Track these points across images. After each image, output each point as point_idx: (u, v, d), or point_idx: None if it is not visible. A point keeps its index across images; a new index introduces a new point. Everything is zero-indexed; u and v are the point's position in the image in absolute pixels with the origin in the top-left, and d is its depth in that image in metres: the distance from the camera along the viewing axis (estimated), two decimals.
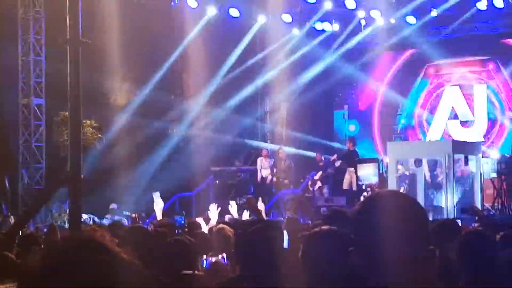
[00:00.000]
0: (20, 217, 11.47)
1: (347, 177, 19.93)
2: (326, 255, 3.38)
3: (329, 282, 3.26)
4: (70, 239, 2.12)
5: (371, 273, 2.20)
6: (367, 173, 20.27)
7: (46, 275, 1.80)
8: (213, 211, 10.42)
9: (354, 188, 19.59)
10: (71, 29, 5.36)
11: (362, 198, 17.95)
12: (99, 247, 1.89)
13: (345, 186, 19.94)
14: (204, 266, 6.58)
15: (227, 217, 12.47)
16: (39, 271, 1.82)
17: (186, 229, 8.87)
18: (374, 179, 20.06)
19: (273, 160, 20.68)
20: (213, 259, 6.52)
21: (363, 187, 19.74)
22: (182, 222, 9.80)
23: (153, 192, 12.87)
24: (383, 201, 2.29)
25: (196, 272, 5.65)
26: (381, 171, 20.37)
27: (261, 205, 9.29)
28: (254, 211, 7.53)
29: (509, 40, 22.35)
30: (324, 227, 3.68)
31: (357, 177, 19.86)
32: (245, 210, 10.84)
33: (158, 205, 11.37)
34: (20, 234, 8.33)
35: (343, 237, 3.28)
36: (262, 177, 20.56)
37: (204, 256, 6.70)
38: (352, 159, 20.11)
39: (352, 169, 19.84)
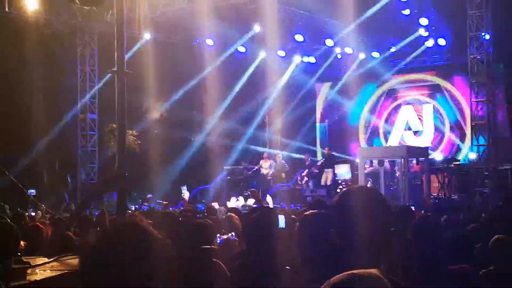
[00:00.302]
0: (79, 205, 11.46)
1: (324, 176, 19.90)
2: (316, 232, 3.34)
3: (317, 254, 3.23)
4: (118, 223, 2.12)
5: (346, 248, 2.19)
6: (343, 171, 20.23)
7: (101, 250, 1.80)
8: (232, 201, 10.54)
9: (329, 183, 19.55)
10: (118, 62, 5.36)
11: (338, 191, 17.97)
12: (139, 229, 1.89)
13: (323, 182, 19.86)
14: (218, 242, 6.55)
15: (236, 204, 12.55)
16: (96, 247, 1.82)
17: (206, 214, 8.85)
18: (348, 176, 20.01)
19: (272, 161, 20.64)
20: (225, 237, 6.50)
21: (339, 181, 19.70)
22: (203, 208, 9.83)
23: (181, 186, 12.94)
24: (354, 194, 2.28)
25: (213, 246, 5.63)
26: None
27: (269, 198, 9.31)
28: (257, 200, 7.52)
29: (449, 70, 22.41)
30: (316, 211, 3.63)
31: (335, 174, 19.82)
32: (249, 199, 10.92)
33: (185, 195, 11.43)
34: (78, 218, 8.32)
35: (328, 219, 3.24)
36: (262, 174, 20.50)
37: (218, 235, 6.68)
38: (330, 162, 20.07)
39: (329, 170, 19.79)
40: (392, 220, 2.36)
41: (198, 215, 8.33)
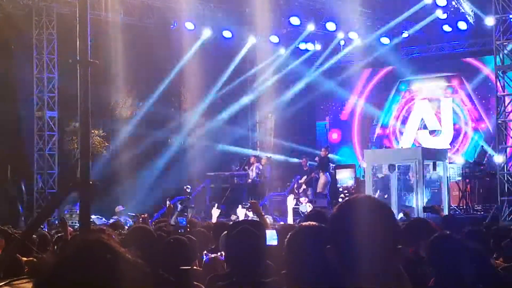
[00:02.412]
0: (35, 219, 11.40)
1: (320, 181, 19.87)
2: (309, 247, 3.31)
3: (308, 275, 3.21)
4: (80, 240, 2.11)
5: (344, 268, 2.19)
6: (344, 177, 20.25)
7: (59, 274, 1.79)
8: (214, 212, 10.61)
9: (319, 190, 19.47)
10: (81, 50, 5.32)
11: (340, 200, 17.94)
12: (106, 247, 1.87)
13: (319, 189, 19.78)
14: (204, 260, 6.53)
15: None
16: (53, 270, 1.81)
17: (188, 229, 8.89)
18: (350, 182, 20.03)
19: (258, 164, 20.64)
20: (212, 255, 6.48)
21: (340, 189, 19.70)
22: (184, 222, 9.90)
23: (167, 199, 12.98)
24: (356, 205, 2.28)
25: (195, 267, 5.61)
26: (357, 175, 20.37)
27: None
28: (258, 214, 7.50)
29: (471, 58, 22.51)
30: (308, 223, 3.60)
31: (336, 181, 19.82)
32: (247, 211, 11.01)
33: (171, 210, 11.50)
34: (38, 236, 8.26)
35: (324, 234, 3.21)
36: (252, 180, 20.47)
37: (205, 252, 6.67)
38: (323, 165, 20.06)
39: (321, 174, 19.72)
40: (401, 236, 2.36)
41: (180, 230, 8.34)
